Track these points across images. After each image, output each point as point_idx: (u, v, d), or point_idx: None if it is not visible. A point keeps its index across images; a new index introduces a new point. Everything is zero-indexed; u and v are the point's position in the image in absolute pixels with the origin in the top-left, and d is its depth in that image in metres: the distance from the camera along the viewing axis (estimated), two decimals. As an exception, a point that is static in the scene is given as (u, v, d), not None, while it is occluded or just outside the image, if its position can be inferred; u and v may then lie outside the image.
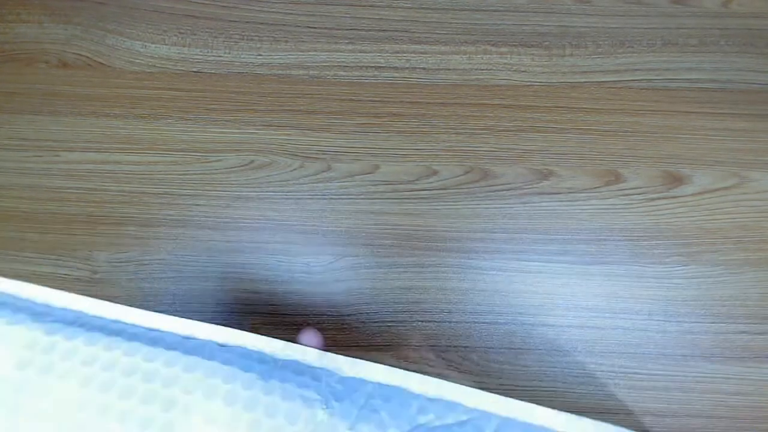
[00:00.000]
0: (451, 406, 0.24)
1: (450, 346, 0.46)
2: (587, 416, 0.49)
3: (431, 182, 0.48)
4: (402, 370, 0.24)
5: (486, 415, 0.24)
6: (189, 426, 0.21)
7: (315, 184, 0.48)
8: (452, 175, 0.48)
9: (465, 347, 0.46)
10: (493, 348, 0.46)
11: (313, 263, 0.47)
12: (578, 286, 0.47)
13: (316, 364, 0.24)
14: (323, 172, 0.48)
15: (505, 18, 0.51)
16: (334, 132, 0.49)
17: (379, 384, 0.24)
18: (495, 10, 0.51)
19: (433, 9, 0.51)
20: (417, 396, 0.24)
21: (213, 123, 0.49)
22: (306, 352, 0.24)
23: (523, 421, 0.26)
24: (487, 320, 0.46)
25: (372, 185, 0.48)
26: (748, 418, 0.45)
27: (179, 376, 0.22)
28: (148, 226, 0.47)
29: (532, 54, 0.50)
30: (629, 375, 0.46)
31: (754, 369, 0.46)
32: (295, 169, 0.48)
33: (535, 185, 0.48)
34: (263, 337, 0.24)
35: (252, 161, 0.48)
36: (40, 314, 0.24)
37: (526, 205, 0.48)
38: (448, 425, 0.24)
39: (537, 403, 0.47)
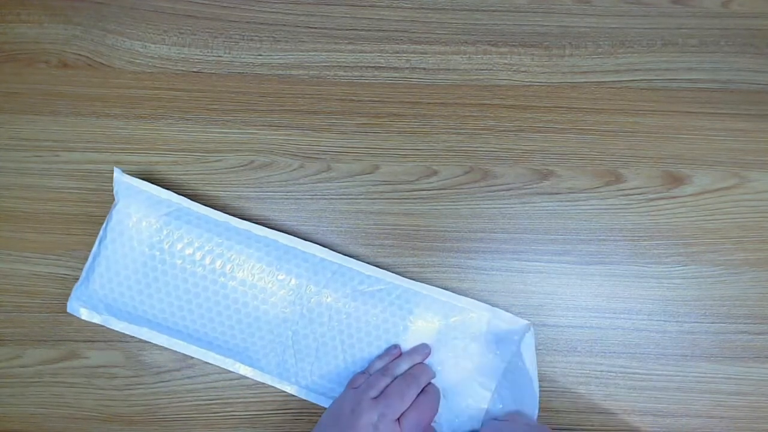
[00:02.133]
0: (378, 280, 0.45)
1: (450, 346, 0.46)
2: (587, 416, 0.49)
3: (431, 182, 0.48)
4: (353, 259, 0.45)
5: (396, 286, 0.45)
6: (244, 265, 0.43)
7: (315, 184, 0.48)
8: (452, 175, 0.48)
9: (465, 347, 0.46)
10: (493, 348, 0.46)
11: (313, 263, 0.47)
12: (578, 286, 0.47)
13: (308, 250, 0.45)
14: (323, 172, 0.48)
15: (505, 18, 0.51)
16: (334, 132, 0.49)
17: (340, 265, 0.45)
18: (495, 10, 0.51)
19: (433, 9, 0.51)
20: (360, 273, 0.45)
21: (213, 123, 0.49)
22: (304, 244, 0.45)
23: (418, 291, 0.45)
24: (487, 320, 0.46)
25: (372, 185, 0.48)
26: (748, 418, 0.45)
27: (232, 244, 0.44)
28: (148, 226, 0.47)
29: (532, 54, 0.50)
30: (629, 375, 0.46)
31: (754, 369, 0.46)
32: (295, 169, 0.48)
33: (535, 185, 0.48)
34: (285, 234, 0.45)
35: (252, 161, 0.48)
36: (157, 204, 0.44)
37: (526, 205, 0.48)
38: (373, 292, 0.44)
39: (538, 404, 0.47)
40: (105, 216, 0.47)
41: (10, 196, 0.47)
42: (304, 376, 0.44)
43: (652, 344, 0.46)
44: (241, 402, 0.45)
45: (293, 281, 0.44)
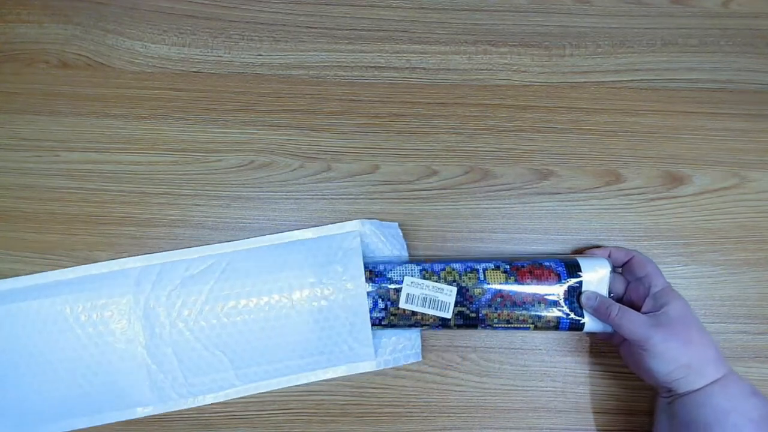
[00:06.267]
0: (204, 259, 0.44)
1: (450, 345, 0.46)
2: (587, 416, 0.49)
3: (431, 182, 0.48)
4: (180, 250, 0.45)
5: (224, 256, 0.44)
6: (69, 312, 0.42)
7: (315, 184, 0.48)
8: (452, 175, 0.48)
9: (465, 347, 0.46)
10: (493, 348, 0.46)
11: (313, 263, 0.47)
12: (578, 286, 0.47)
13: (125, 267, 0.45)
14: (323, 172, 0.48)
15: (505, 18, 0.51)
16: (334, 132, 0.49)
17: (162, 263, 0.44)
18: (495, 10, 0.51)
19: (433, 9, 0.51)
20: (185, 260, 0.44)
21: (213, 123, 0.49)
22: (119, 263, 0.45)
23: (249, 248, 0.45)
24: (487, 320, 0.46)
25: (372, 185, 0.48)
26: (748, 418, 0.45)
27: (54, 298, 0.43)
28: (148, 226, 0.47)
29: (532, 54, 0.50)
30: (629, 375, 0.46)
31: (754, 369, 0.46)
32: (295, 169, 0.48)
33: (535, 185, 0.48)
34: (97, 263, 0.46)
35: (252, 161, 0.48)
36: None
37: (526, 205, 0.48)
38: (202, 270, 0.43)
39: (537, 404, 0.47)
40: (105, 216, 0.47)
41: (10, 196, 0.47)
42: (180, 384, 0.43)
43: (652, 344, 0.46)
44: (241, 402, 0.45)
45: (122, 302, 0.42)
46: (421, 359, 0.45)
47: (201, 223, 0.47)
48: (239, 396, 0.44)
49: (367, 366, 0.44)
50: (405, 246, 0.46)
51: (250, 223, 0.47)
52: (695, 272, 0.47)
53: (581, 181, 0.48)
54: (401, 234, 0.46)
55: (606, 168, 0.49)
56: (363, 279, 0.41)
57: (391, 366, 0.44)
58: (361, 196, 0.48)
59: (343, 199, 0.48)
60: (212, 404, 0.45)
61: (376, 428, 0.45)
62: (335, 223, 0.47)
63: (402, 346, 0.44)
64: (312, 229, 0.46)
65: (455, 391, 0.46)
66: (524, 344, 0.46)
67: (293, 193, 0.48)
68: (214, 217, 0.47)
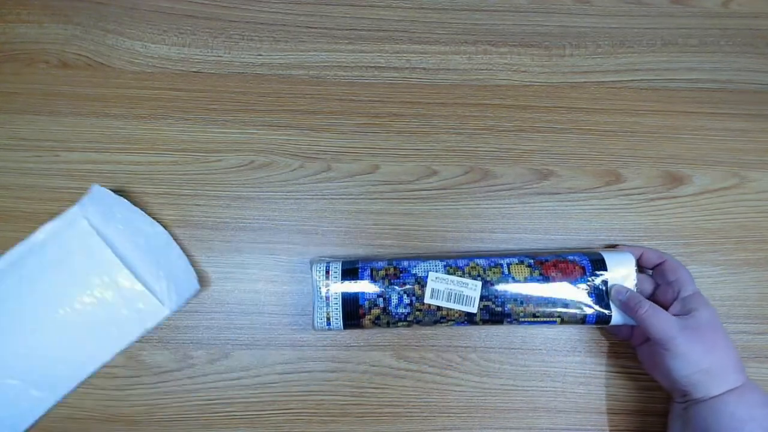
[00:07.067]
0: None
1: (450, 345, 0.46)
2: (587, 416, 0.49)
3: (431, 182, 0.48)
4: None
5: None
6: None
7: (315, 184, 0.48)
8: (452, 175, 0.48)
9: (465, 347, 0.46)
10: (493, 348, 0.46)
11: (313, 263, 0.47)
12: (578, 286, 0.47)
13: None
14: (323, 172, 0.48)
15: (505, 18, 0.51)
16: (334, 132, 0.49)
17: None
18: (495, 10, 0.51)
19: (433, 9, 0.51)
20: None
21: (213, 123, 0.49)
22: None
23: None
24: (487, 320, 0.46)
25: (372, 185, 0.48)
26: (748, 418, 0.45)
27: None
28: (148, 226, 0.47)
29: (532, 54, 0.50)
30: (630, 375, 0.46)
31: (754, 369, 0.46)
32: (295, 169, 0.48)
33: (535, 185, 0.48)
34: None
35: (252, 161, 0.48)
36: None
37: (526, 205, 0.48)
38: None
39: (537, 404, 0.48)
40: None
41: (10, 196, 0.47)
42: None
43: (652, 344, 0.46)
44: (241, 402, 0.45)
45: None
46: (199, 287, 0.45)
47: (201, 223, 0.47)
48: (49, 408, 0.44)
49: (159, 315, 0.45)
50: (132, 207, 0.45)
51: (250, 223, 0.47)
52: (695, 272, 0.47)
53: (581, 181, 0.48)
54: (128, 201, 0.45)
55: (606, 168, 0.49)
56: (104, 245, 0.43)
57: (182, 304, 0.45)
58: (361, 196, 0.48)
59: (343, 199, 0.48)
60: (212, 404, 0.45)
61: (376, 428, 0.45)
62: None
63: (177, 285, 0.45)
64: (41, 229, 0.46)
65: (455, 391, 0.46)
66: (524, 344, 0.46)
67: (293, 193, 0.48)
68: (214, 217, 0.47)
